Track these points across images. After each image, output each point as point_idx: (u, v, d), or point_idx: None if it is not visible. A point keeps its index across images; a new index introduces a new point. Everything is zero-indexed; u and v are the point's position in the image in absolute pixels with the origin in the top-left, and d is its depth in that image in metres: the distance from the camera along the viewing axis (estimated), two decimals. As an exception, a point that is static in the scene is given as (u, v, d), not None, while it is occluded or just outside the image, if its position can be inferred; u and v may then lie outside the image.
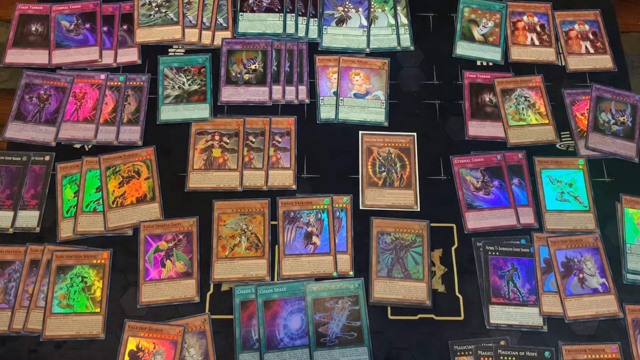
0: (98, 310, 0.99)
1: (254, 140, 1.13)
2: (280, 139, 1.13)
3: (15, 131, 1.12)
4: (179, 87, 1.17)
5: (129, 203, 1.06)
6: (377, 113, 1.16)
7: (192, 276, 1.01)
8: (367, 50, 1.22)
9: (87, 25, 1.22)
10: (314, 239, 1.04)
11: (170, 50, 1.21)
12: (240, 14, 1.24)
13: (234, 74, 1.18)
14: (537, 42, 1.24)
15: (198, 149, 1.11)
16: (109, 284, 1.01)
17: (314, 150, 1.13)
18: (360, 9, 1.25)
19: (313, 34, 1.23)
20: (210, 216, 1.06)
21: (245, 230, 1.05)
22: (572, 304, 1.00)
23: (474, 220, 1.07)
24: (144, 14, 1.23)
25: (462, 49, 1.23)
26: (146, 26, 1.22)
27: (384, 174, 1.11)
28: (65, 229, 1.05)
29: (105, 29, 1.22)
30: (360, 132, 1.14)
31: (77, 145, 1.12)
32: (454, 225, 1.07)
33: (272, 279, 1.02)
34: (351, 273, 1.02)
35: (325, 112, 1.16)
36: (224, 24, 1.23)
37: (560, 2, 1.28)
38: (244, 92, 1.17)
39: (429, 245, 1.04)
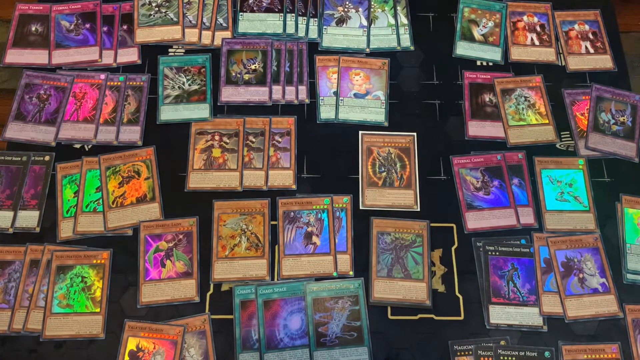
0: (98, 310, 0.99)
1: (254, 140, 1.13)
2: (280, 139, 1.13)
3: (15, 131, 1.12)
4: (179, 87, 1.17)
5: (129, 203, 1.06)
6: (377, 113, 1.16)
7: (192, 276, 1.01)
8: (367, 50, 1.22)
9: (87, 25, 1.22)
10: (314, 239, 1.05)
11: (170, 50, 1.21)
12: (240, 14, 1.24)
13: (234, 74, 1.18)
14: (537, 42, 1.24)
15: (198, 149, 1.11)
16: (109, 284, 1.01)
17: (314, 150, 1.13)
18: (360, 9, 1.25)
19: (313, 34, 1.23)
20: (210, 216, 1.06)
21: (245, 230, 1.05)
22: (572, 304, 1.00)
23: (474, 220, 1.07)
24: (144, 14, 1.23)
25: (462, 49, 1.23)
26: (146, 26, 1.22)
27: (384, 174, 1.11)
28: (65, 229, 1.05)
29: (105, 29, 1.22)
30: (360, 132, 1.14)
31: (77, 145, 1.12)
32: (454, 225, 1.07)
33: (272, 279, 1.02)
34: (351, 273, 1.02)
35: (325, 112, 1.16)
36: (224, 24, 1.23)
37: (560, 2, 1.28)
38: (244, 92, 1.17)
39: (429, 245, 1.04)
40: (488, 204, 1.08)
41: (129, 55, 1.20)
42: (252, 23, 1.23)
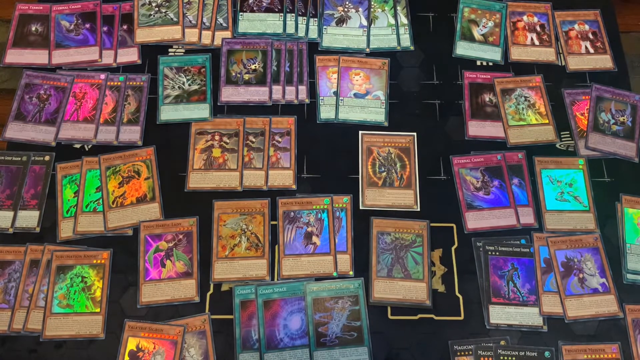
0: (98, 310, 0.99)
1: (254, 140, 1.13)
2: (280, 139, 1.13)
3: (15, 131, 1.12)
4: (179, 87, 1.17)
5: (129, 203, 1.06)
6: (377, 113, 1.16)
7: (192, 276, 1.01)
8: (367, 50, 1.22)
9: (87, 25, 1.22)
10: (314, 239, 1.05)
11: (170, 50, 1.21)
12: (240, 14, 1.24)
13: (234, 74, 1.18)
14: (537, 42, 1.24)
15: (198, 149, 1.11)
16: (109, 284, 1.01)
17: (314, 150, 1.12)
18: (360, 9, 1.25)
19: (313, 34, 1.23)
20: (210, 216, 1.06)
21: (245, 230, 1.05)
22: (572, 304, 1.00)
23: (474, 220, 1.07)
24: (144, 14, 1.23)
25: (462, 49, 1.23)
26: (146, 26, 1.22)
27: (384, 174, 1.11)
28: (65, 229, 1.05)
29: (105, 29, 1.22)
30: (360, 132, 1.14)
31: (77, 145, 1.12)
32: (454, 225, 1.07)
33: (272, 279, 1.02)
34: (351, 273, 1.02)
35: (325, 112, 1.16)
36: (224, 24, 1.23)
37: (560, 2, 1.28)
38: (244, 92, 1.17)
39: (429, 245, 1.04)
40: (488, 204, 1.08)
41: (129, 55, 1.20)
42: (252, 23, 1.23)
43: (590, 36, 1.24)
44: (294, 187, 1.09)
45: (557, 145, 1.14)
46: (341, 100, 1.16)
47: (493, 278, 1.02)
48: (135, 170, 1.09)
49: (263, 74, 1.18)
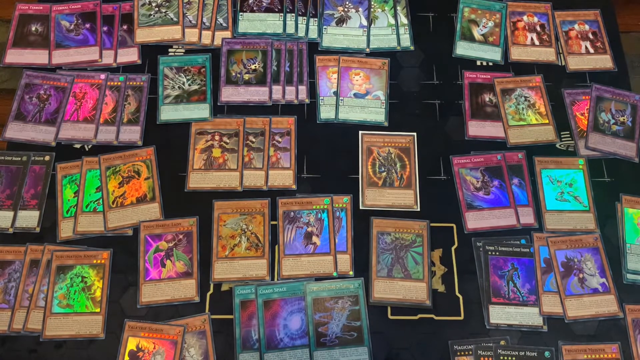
0: (98, 310, 0.99)
1: (254, 140, 1.13)
2: (280, 139, 1.13)
3: (15, 131, 1.12)
4: (179, 87, 1.17)
5: (129, 203, 1.06)
6: (377, 113, 1.16)
7: (192, 276, 1.01)
8: (367, 50, 1.22)
9: (87, 25, 1.22)
10: (314, 239, 1.04)
11: (170, 50, 1.21)
12: (240, 14, 1.24)
13: (234, 74, 1.18)
14: (537, 42, 1.24)
15: (198, 149, 1.11)
16: (109, 284, 1.01)
17: (314, 150, 1.12)
18: (360, 9, 1.25)
19: (313, 34, 1.23)
20: (210, 216, 1.06)
21: (245, 230, 1.05)
22: (572, 304, 1.00)
23: (474, 220, 1.07)
24: (144, 14, 1.23)
25: (462, 49, 1.23)
26: (146, 26, 1.22)
27: (384, 174, 1.11)
28: (65, 229, 1.05)
29: (105, 29, 1.22)
30: (360, 132, 1.14)
31: (77, 145, 1.12)
32: (454, 225, 1.07)
33: (272, 279, 1.02)
34: (351, 273, 1.02)
35: (325, 112, 1.16)
36: (224, 24, 1.23)
37: (560, 2, 1.28)
38: (244, 92, 1.17)
39: (429, 245, 1.04)
40: (488, 204, 1.08)
41: (129, 55, 1.20)
42: (252, 23, 1.23)
43: (590, 36, 1.24)
44: (294, 187, 1.09)
45: (557, 145, 1.14)
46: (341, 100, 1.16)
47: (493, 278, 1.02)
48: (135, 170, 1.09)
49: (263, 74, 1.18)
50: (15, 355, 0.96)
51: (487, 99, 1.18)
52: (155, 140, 1.12)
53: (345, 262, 1.03)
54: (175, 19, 1.22)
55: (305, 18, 1.24)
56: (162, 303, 1.00)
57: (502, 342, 0.97)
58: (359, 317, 0.99)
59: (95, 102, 1.15)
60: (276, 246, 1.04)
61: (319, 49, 1.22)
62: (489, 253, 1.04)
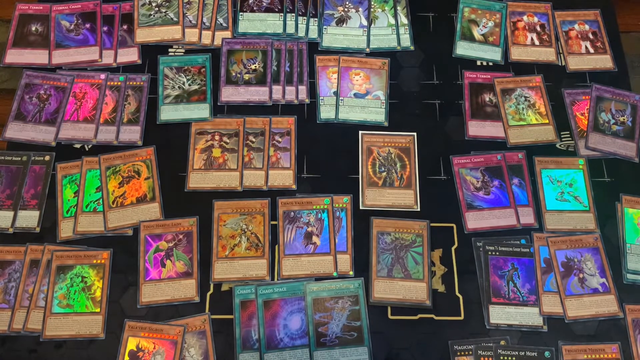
0: (98, 310, 0.99)
1: (254, 140, 1.13)
2: (280, 139, 1.13)
3: (15, 131, 1.12)
4: (179, 87, 1.17)
5: (129, 203, 1.06)
6: (377, 113, 1.16)
7: (192, 276, 1.01)
8: (367, 50, 1.22)
9: (87, 25, 1.22)
10: (314, 239, 1.04)
11: (170, 50, 1.21)
12: (240, 13, 1.24)
13: (234, 74, 1.18)
14: (537, 42, 1.24)
15: (198, 149, 1.11)
16: (109, 284, 1.01)
17: (314, 150, 1.12)
18: (360, 9, 1.25)
19: (313, 34, 1.23)
20: (210, 216, 1.06)
21: (245, 230, 1.05)
22: (572, 304, 1.00)
23: (474, 220, 1.07)
24: (144, 14, 1.23)
25: (462, 49, 1.23)
26: (146, 26, 1.22)
27: (384, 174, 1.11)
28: (65, 229, 1.05)
29: (105, 29, 1.22)
30: (360, 132, 1.14)
31: (77, 145, 1.12)
32: (454, 225, 1.07)
33: (272, 279, 1.02)
34: (351, 273, 1.02)
35: (325, 112, 1.16)
36: (224, 24, 1.23)
37: (560, 2, 1.28)
38: (244, 92, 1.17)
39: (429, 245, 1.04)
40: (488, 204, 1.08)
41: (129, 55, 1.20)
42: (252, 23, 1.23)
43: (590, 36, 1.24)
44: (294, 187, 1.09)
45: (557, 145, 1.14)
46: (341, 100, 1.16)
47: (493, 278, 1.02)
48: (135, 170, 1.09)
49: (263, 74, 1.18)
50: (15, 355, 0.96)
51: (487, 99, 1.18)
52: (155, 140, 1.12)
53: (345, 262, 1.03)
54: (175, 19, 1.22)
55: (305, 18, 1.24)
56: (162, 303, 1.00)
57: (502, 342, 0.97)
58: (359, 317, 0.99)
59: (95, 102, 1.15)
60: (276, 246, 1.04)
61: (319, 49, 1.22)
62: (489, 253, 1.04)
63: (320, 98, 1.17)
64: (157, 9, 1.23)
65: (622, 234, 1.06)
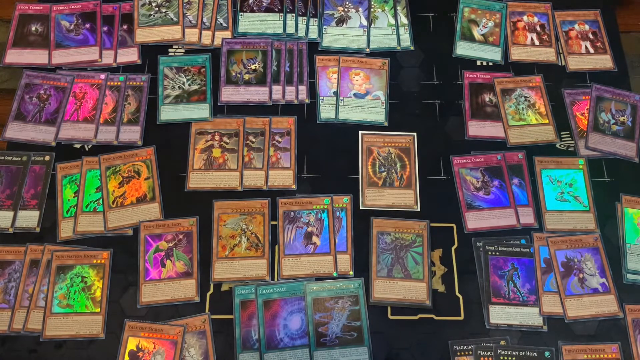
0: (98, 310, 0.99)
1: (254, 140, 1.13)
2: (280, 139, 1.13)
3: (15, 131, 1.12)
4: (179, 87, 1.17)
5: (129, 203, 1.06)
6: (377, 113, 1.16)
7: (192, 276, 1.01)
8: (367, 50, 1.22)
9: (87, 25, 1.22)
10: (314, 239, 1.05)
11: (170, 50, 1.21)
12: (240, 14, 1.24)
13: (234, 74, 1.18)
14: (537, 42, 1.24)
15: (198, 149, 1.11)
16: (109, 284, 1.01)
17: (314, 150, 1.12)
18: (360, 9, 1.25)
19: (313, 34, 1.23)
20: (210, 216, 1.06)
21: (245, 230, 1.05)
22: (572, 304, 1.00)
23: (474, 220, 1.07)
24: (144, 14, 1.23)
25: (462, 49, 1.23)
26: (146, 26, 1.22)
27: (384, 174, 1.11)
28: (65, 229, 1.05)
29: (105, 29, 1.22)
30: (360, 132, 1.14)
31: (77, 145, 1.12)
32: (454, 225, 1.07)
33: (272, 279, 1.02)
34: (351, 273, 1.02)
35: (325, 112, 1.16)
36: (224, 24, 1.23)
37: (560, 2, 1.28)
38: (244, 92, 1.17)
39: (429, 245, 1.04)
40: (488, 204, 1.08)
41: (129, 55, 1.20)
42: (252, 23, 1.23)
43: (590, 36, 1.24)
44: (294, 187, 1.09)
45: (557, 145, 1.14)
46: (341, 100, 1.16)
47: (493, 278, 1.02)
48: (135, 170, 1.09)
49: (263, 74, 1.18)
50: (15, 355, 0.96)
51: (487, 99, 1.18)
52: (155, 140, 1.12)
53: (345, 262, 1.03)
54: (175, 19, 1.22)
55: (305, 18, 1.24)
56: (162, 303, 1.00)
57: (502, 342, 0.97)
58: (359, 317, 0.99)
59: (95, 102, 1.15)
60: (276, 246, 1.04)
61: (319, 49, 1.22)
62: (489, 253, 1.04)
63: (320, 98, 1.17)
64: (157, 9, 1.23)
65: (622, 234, 1.06)
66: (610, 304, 1.00)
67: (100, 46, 1.20)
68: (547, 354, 0.96)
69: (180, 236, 1.04)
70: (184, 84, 1.17)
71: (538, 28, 1.25)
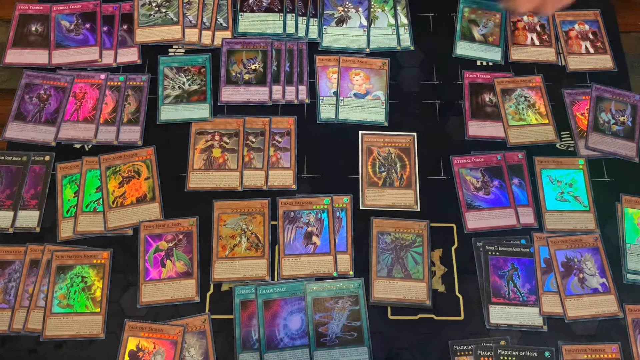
0: (98, 310, 0.99)
1: (254, 140, 1.13)
2: (280, 139, 1.13)
3: (15, 131, 1.12)
4: (179, 87, 1.17)
5: (129, 203, 1.06)
6: (377, 113, 1.16)
7: (192, 276, 1.01)
8: (367, 50, 1.22)
9: (87, 25, 1.22)
10: (314, 239, 1.05)
11: (170, 50, 1.21)
12: (240, 14, 1.24)
13: (234, 74, 1.18)
14: (537, 42, 1.24)
15: (198, 149, 1.11)
16: (109, 284, 1.01)
17: (314, 150, 1.13)
18: (360, 9, 1.25)
19: (313, 34, 1.23)
20: (210, 216, 1.06)
21: (245, 230, 1.05)
22: (572, 304, 1.00)
23: (474, 220, 1.07)
24: (144, 14, 1.23)
25: (462, 49, 1.23)
26: (146, 26, 1.22)
27: (384, 174, 1.11)
28: (65, 229, 1.05)
29: (105, 29, 1.22)
30: (360, 132, 1.14)
31: (77, 145, 1.12)
32: (454, 225, 1.07)
33: (272, 279, 1.02)
34: (351, 273, 1.02)
35: (325, 112, 1.16)
36: (224, 24, 1.23)
37: (560, 2, 1.28)
38: (244, 92, 1.17)
39: (429, 245, 1.04)
40: (488, 204, 1.08)
41: (129, 55, 1.20)
42: (252, 23, 1.23)
43: (591, 36, 1.24)
44: (294, 187, 1.09)
45: (557, 145, 1.14)
46: (341, 100, 1.16)
47: (493, 278, 1.02)
48: (135, 170, 1.09)
49: (263, 74, 1.18)
50: (15, 355, 0.96)
51: (487, 99, 1.18)
52: (155, 140, 1.12)
53: (345, 262, 1.03)
54: (175, 19, 1.22)
55: (305, 18, 1.24)
56: (162, 303, 1.00)
57: (502, 342, 0.97)
58: (359, 317, 0.99)
59: (95, 102, 1.15)
60: (276, 246, 1.04)
61: (319, 49, 1.22)
62: (489, 253, 1.04)
63: (320, 98, 1.17)
64: (157, 9, 1.23)
65: (622, 234, 1.06)
66: (610, 304, 1.00)
67: (100, 46, 1.20)
68: (547, 354, 0.96)
69: (180, 236, 1.04)
70: (184, 84, 1.17)
71: (538, 28, 1.25)
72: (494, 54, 1.22)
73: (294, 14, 1.23)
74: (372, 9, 1.25)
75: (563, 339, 0.98)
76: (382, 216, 1.07)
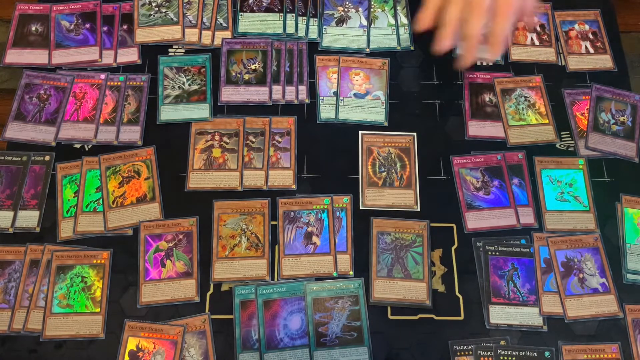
0: (98, 310, 0.99)
1: (254, 140, 1.13)
2: (280, 139, 1.13)
3: (15, 131, 1.12)
4: (179, 87, 1.17)
5: (129, 203, 1.06)
6: (377, 113, 1.16)
7: (192, 276, 1.01)
8: (367, 50, 1.22)
9: (87, 25, 1.22)
10: (314, 239, 1.05)
11: (170, 50, 1.21)
12: (240, 14, 1.24)
13: (234, 74, 1.18)
14: (537, 42, 1.24)
15: (198, 149, 1.11)
16: (109, 284, 1.01)
17: (314, 150, 1.12)
18: (360, 9, 1.25)
19: (313, 34, 1.23)
20: (210, 216, 1.06)
21: (245, 230, 1.05)
22: (572, 304, 1.00)
23: (474, 220, 1.07)
24: (144, 14, 1.23)
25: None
26: (146, 26, 1.22)
27: (384, 174, 1.11)
28: (65, 229, 1.05)
29: (105, 29, 1.22)
30: (360, 132, 1.14)
31: (77, 145, 1.12)
32: (454, 225, 1.07)
33: (272, 279, 1.02)
34: (351, 273, 1.02)
35: (325, 112, 1.16)
36: (224, 24, 1.23)
37: (560, 2, 1.28)
38: (244, 92, 1.17)
39: (429, 245, 1.04)
40: (488, 204, 1.08)
41: (129, 55, 1.20)
42: (252, 23, 1.23)
43: (591, 36, 1.24)
44: (294, 187, 1.09)
45: (557, 145, 1.14)
46: (341, 100, 1.16)
47: (493, 278, 1.02)
48: (135, 170, 1.09)
49: (263, 74, 1.18)
50: (15, 355, 0.96)
51: (487, 99, 1.18)
52: (155, 140, 1.12)
53: (345, 262, 1.03)
54: (175, 19, 1.22)
55: (305, 18, 1.24)
56: (162, 303, 1.00)
57: (502, 342, 0.97)
58: (359, 317, 0.99)
59: (95, 102, 1.15)
60: (276, 246, 1.04)
61: (319, 49, 1.22)
62: (489, 253, 1.04)
63: (320, 98, 1.17)
64: (157, 9, 1.23)
65: (622, 234, 1.06)
66: (610, 304, 1.00)
67: (100, 46, 1.20)
68: (547, 354, 0.96)
69: (180, 236, 1.04)
70: (184, 84, 1.17)
71: (538, 28, 1.25)
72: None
73: (294, 14, 1.23)
74: (372, 9, 1.25)
75: (563, 339, 0.98)
76: (382, 216, 1.07)
